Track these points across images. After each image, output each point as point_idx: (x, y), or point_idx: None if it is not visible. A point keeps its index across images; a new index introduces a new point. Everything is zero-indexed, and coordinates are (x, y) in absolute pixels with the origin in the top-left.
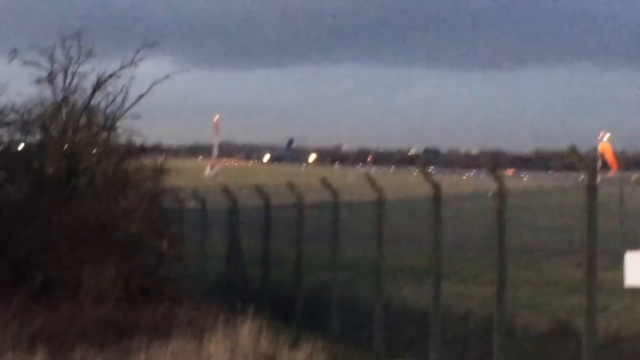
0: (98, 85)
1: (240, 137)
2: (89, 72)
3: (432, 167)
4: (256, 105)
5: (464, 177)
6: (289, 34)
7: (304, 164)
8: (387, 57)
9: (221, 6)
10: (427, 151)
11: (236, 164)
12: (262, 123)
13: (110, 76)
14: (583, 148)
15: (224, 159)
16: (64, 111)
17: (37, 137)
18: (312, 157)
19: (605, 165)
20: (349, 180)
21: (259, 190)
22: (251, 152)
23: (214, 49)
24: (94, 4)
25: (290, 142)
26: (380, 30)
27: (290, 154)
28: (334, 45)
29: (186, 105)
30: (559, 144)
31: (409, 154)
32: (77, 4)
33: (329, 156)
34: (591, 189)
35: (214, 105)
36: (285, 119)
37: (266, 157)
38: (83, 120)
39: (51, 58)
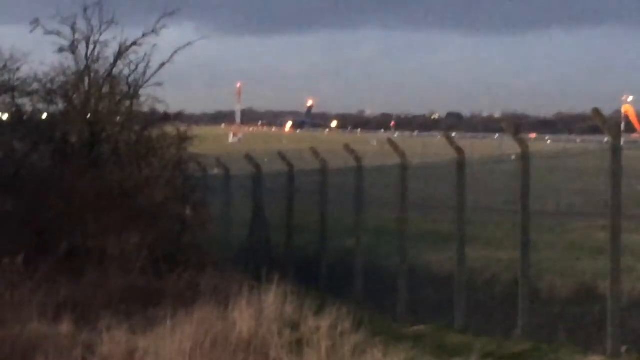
0: (120, 53)
1: (263, 104)
2: (111, 40)
3: (454, 132)
4: (278, 71)
5: (487, 141)
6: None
7: (326, 130)
8: (410, 20)
9: None
10: (450, 115)
11: (259, 130)
12: (284, 89)
13: (132, 44)
14: (606, 111)
15: (247, 126)
16: (87, 80)
17: (60, 106)
18: (334, 123)
19: (630, 127)
20: (373, 145)
21: (282, 157)
22: (274, 119)
23: (234, 16)
24: None
25: (310, 108)
26: None
27: (310, 120)
28: (355, 9)
29: (208, 72)
30: (582, 107)
31: (432, 118)
32: None
33: (351, 122)
34: (615, 150)
35: (236, 72)
36: (307, 85)
37: (288, 124)
38: (106, 89)
39: (73, 27)
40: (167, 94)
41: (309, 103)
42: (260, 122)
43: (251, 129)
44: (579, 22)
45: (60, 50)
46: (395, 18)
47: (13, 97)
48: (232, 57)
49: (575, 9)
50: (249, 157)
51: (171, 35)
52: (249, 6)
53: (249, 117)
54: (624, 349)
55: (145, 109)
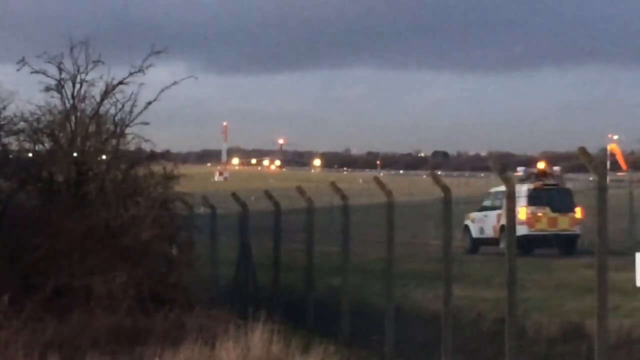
0: (107, 92)
1: (249, 143)
2: (98, 79)
3: (440, 171)
4: (265, 110)
5: (474, 179)
6: (300, 40)
7: (312, 169)
8: (397, 60)
9: (233, 13)
10: (436, 154)
11: (245, 168)
12: (270, 128)
13: (119, 83)
14: (592, 149)
15: (233, 164)
16: (73, 119)
17: (46, 145)
18: (317, 161)
19: (615, 166)
20: (359, 184)
21: (268, 195)
22: (259, 157)
23: (226, 56)
24: (106, 12)
25: (281, 146)
26: (392, 35)
27: (296, 159)
28: (344, 50)
29: (196, 111)
30: (568, 145)
31: (419, 156)
32: (87, 13)
33: (337, 160)
34: (601, 189)
35: (223, 110)
36: (293, 123)
37: (275, 162)
38: (92, 128)
39: (60, 66)
40: (153, 133)
41: (281, 141)
42: (246, 160)
43: (237, 167)
44: (567, 61)
45: (47, 89)
46: (383, 58)
47: None
48: (221, 96)
49: (563, 48)
50: (235, 196)
51: (162, 74)
52: (241, 46)
53: (236, 155)
54: None
55: (132, 147)
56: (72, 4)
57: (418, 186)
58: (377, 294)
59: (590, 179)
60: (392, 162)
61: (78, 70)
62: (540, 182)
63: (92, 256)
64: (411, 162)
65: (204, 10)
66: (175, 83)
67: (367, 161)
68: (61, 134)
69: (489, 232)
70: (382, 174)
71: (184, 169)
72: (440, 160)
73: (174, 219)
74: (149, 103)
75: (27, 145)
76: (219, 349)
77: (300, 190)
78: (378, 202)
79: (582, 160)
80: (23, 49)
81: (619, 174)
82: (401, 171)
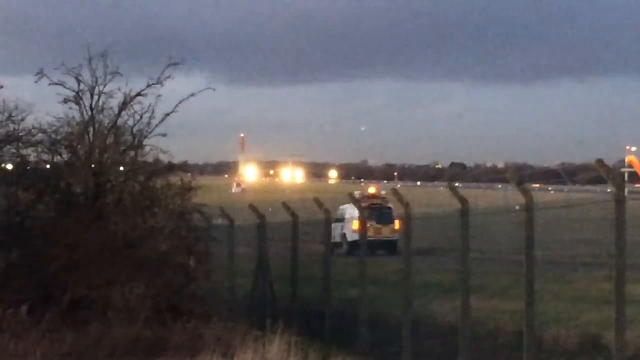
0: (124, 104)
1: (266, 155)
2: (116, 91)
3: (457, 183)
4: (282, 122)
5: (491, 191)
6: (319, 51)
7: (329, 181)
8: (415, 72)
9: (253, 25)
10: (453, 165)
11: (262, 180)
12: (288, 140)
13: (137, 95)
14: (610, 161)
15: (250, 176)
16: (91, 130)
17: (64, 156)
18: (333, 173)
19: (633, 177)
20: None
21: (286, 207)
22: (276, 169)
23: (244, 67)
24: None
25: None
26: (410, 46)
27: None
28: (363, 61)
29: (214, 122)
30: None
31: (436, 167)
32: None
33: (354, 172)
34: (619, 201)
35: (240, 122)
36: (311, 135)
37: (290, 173)
38: (110, 139)
39: (78, 78)
40: (171, 144)
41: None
42: (264, 172)
43: (254, 179)
44: (586, 72)
45: (65, 100)
46: (401, 70)
47: (18, 148)
48: (239, 107)
49: (583, 59)
50: (252, 207)
51: (182, 86)
52: (259, 58)
53: (254, 166)
54: None
55: (150, 159)
56: (91, 15)
57: (435, 198)
58: (395, 305)
59: (608, 190)
60: (409, 173)
61: (96, 82)
62: (370, 202)
63: (110, 267)
64: (428, 174)
65: (224, 22)
66: (192, 95)
67: (385, 173)
68: (79, 146)
69: (337, 238)
70: (399, 186)
71: (201, 181)
72: (457, 172)
73: (191, 231)
74: (167, 115)
75: (45, 156)
76: None
77: (317, 202)
78: (396, 213)
79: (599, 172)
80: (41, 61)
81: (637, 185)
82: (418, 183)
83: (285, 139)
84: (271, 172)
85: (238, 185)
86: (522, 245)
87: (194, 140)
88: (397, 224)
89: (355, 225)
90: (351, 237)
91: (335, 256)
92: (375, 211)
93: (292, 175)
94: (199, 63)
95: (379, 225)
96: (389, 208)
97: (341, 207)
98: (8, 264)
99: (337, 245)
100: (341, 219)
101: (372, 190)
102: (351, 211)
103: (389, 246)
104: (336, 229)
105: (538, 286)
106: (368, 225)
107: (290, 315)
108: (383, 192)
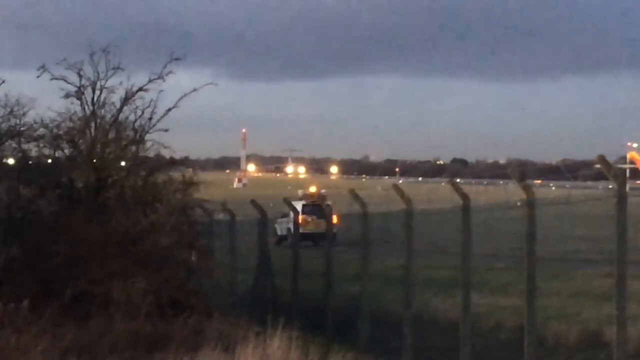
0: (126, 99)
1: (267, 150)
2: (118, 86)
3: (459, 179)
4: (284, 117)
5: (492, 187)
6: (322, 47)
7: (331, 176)
8: (418, 68)
9: (257, 21)
10: (455, 161)
11: (264, 175)
12: (290, 135)
13: (139, 90)
14: (611, 157)
15: (251, 171)
16: (93, 125)
17: (66, 151)
18: (334, 168)
19: (635, 174)
20: (378, 191)
21: (288, 202)
22: (277, 164)
23: (247, 63)
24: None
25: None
26: (413, 43)
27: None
28: (366, 57)
29: (216, 118)
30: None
31: (437, 163)
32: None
33: (355, 167)
34: (621, 197)
35: (242, 117)
36: (313, 130)
37: (298, 169)
38: (112, 134)
39: (80, 73)
40: (173, 139)
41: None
42: (265, 167)
43: (256, 174)
44: (589, 69)
45: (67, 95)
46: (404, 66)
47: (19, 142)
48: (241, 102)
49: (586, 56)
50: (254, 203)
51: (185, 81)
52: (262, 54)
53: (255, 161)
54: None
55: (151, 154)
56: (93, 10)
57: (437, 193)
58: (396, 301)
59: (610, 186)
60: (410, 169)
61: (98, 77)
62: (311, 200)
63: (111, 262)
64: (430, 170)
65: (228, 18)
66: (194, 90)
67: (386, 168)
68: (81, 141)
69: (284, 232)
70: (400, 182)
71: (202, 176)
72: (459, 168)
73: (193, 226)
74: (169, 110)
75: (46, 151)
76: (238, 355)
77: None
78: (397, 209)
79: (601, 168)
80: (43, 56)
81: (639, 182)
82: (420, 178)
83: (287, 134)
84: (272, 167)
85: (240, 180)
86: (523, 242)
87: (196, 136)
88: (335, 219)
89: (301, 219)
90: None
91: (282, 248)
92: (315, 207)
93: (294, 171)
94: (202, 58)
95: (320, 220)
96: (328, 205)
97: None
98: (10, 259)
99: (284, 238)
100: (287, 215)
101: (312, 189)
102: (297, 206)
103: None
104: (282, 223)
105: (539, 283)
106: (310, 220)
107: (292, 311)
108: (323, 191)
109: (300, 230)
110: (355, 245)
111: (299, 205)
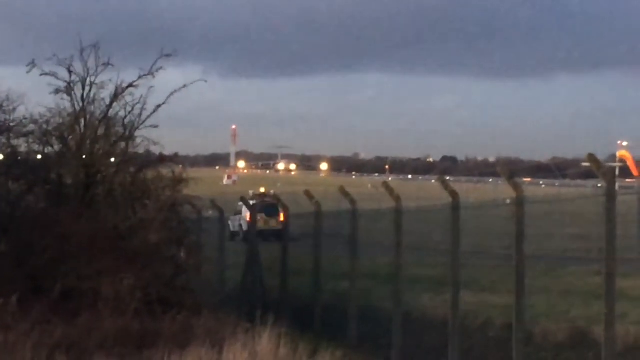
0: (116, 95)
1: (257, 146)
2: (107, 82)
3: (449, 176)
4: (274, 114)
5: (482, 185)
6: (311, 44)
7: (321, 173)
8: (409, 65)
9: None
10: (444, 159)
11: (254, 172)
12: (279, 132)
13: (129, 86)
14: (601, 155)
15: (240, 168)
16: (82, 122)
17: (55, 147)
18: (324, 165)
19: (624, 172)
20: (368, 188)
21: (277, 199)
22: (267, 161)
23: (237, 60)
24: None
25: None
26: (403, 40)
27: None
28: (355, 54)
29: (206, 114)
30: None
31: (427, 161)
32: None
33: (345, 164)
34: (610, 196)
35: (232, 114)
36: (302, 127)
37: (290, 166)
38: (101, 131)
39: (69, 69)
40: (163, 136)
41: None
42: (255, 164)
43: (245, 170)
44: (579, 67)
45: (57, 91)
46: (394, 63)
47: (8, 138)
48: (231, 99)
49: (577, 55)
50: (243, 200)
51: (176, 78)
52: (254, 51)
53: (244, 158)
54: None
55: (141, 150)
56: (84, 6)
57: (426, 191)
58: (385, 299)
59: (599, 185)
60: (400, 166)
61: (88, 73)
62: (260, 199)
63: (100, 259)
64: (420, 167)
65: (220, 15)
66: (184, 86)
67: (376, 166)
68: (70, 137)
69: (236, 228)
70: (390, 179)
71: (192, 172)
72: (448, 166)
73: (182, 222)
74: (159, 106)
75: (36, 147)
76: (227, 352)
77: (308, 194)
78: (387, 206)
79: (591, 167)
80: (33, 51)
81: (628, 180)
82: (409, 176)
83: (277, 131)
84: (260, 164)
85: (229, 177)
86: (512, 240)
87: (186, 132)
88: (281, 216)
89: (249, 217)
90: (246, 227)
91: (235, 242)
92: (264, 206)
93: (284, 168)
94: (193, 56)
95: (268, 218)
96: (275, 204)
97: (239, 203)
98: None
99: (236, 234)
100: (239, 212)
101: (262, 190)
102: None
103: (277, 234)
104: (235, 220)
105: (528, 281)
106: (259, 217)
107: (281, 308)
108: (272, 192)
109: (248, 228)
110: (303, 240)
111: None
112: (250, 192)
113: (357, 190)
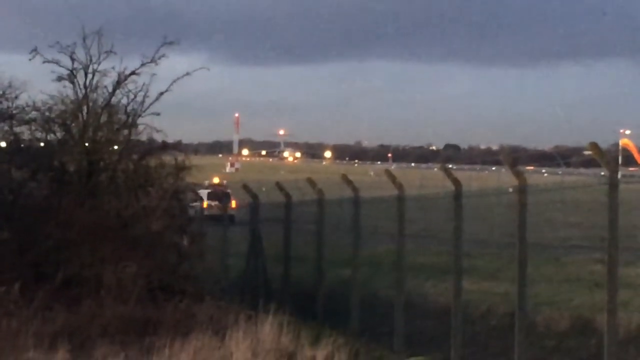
0: (119, 82)
1: (260, 134)
2: (110, 69)
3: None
4: (277, 102)
5: (485, 173)
6: (316, 32)
7: (324, 161)
8: (413, 53)
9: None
10: (447, 147)
11: (257, 160)
12: (282, 120)
13: (131, 74)
14: (604, 144)
15: (244, 155)
16: (85, 109)
17: (58, 134)
18: (327, 153)
19: (627, 160)
20: (371, 176)
21: (280, 187)
22: (270, 149)
23: (241, 47)
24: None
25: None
26: (408, 28)
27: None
28: (360, 42)
29: (208, 102)
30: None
31: (430, 149)
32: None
33: (348, 153)
34: (613, 184)
35: (235, 102)
36: (306, 115)
37: (295, 154)
38: (104, 118)
39: (72, 56)
40: (165, 123)
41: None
42: (258, 152)
43: (248, 158)
44: (583, 56)
45: (59, 78)
46: (399, 51)
47: (11, 125)
48: (234, 87)
49: (580, 43)
50: (246, 187)
51: (181, 66)
52: (256, 38)
53: (247, 146)
54: None
55: (144, 138)
56: None
57: (429, 179)
58: (387, 287)
59: (602, 174)
60: (403, 154)
61: (90, 60)
62: (215, 188)
63: (103, 246)
64: (422, 155)
65: (224, 2)
66: (187, 74)
67: (379, 154)
68: (73, 124)
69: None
70: (393, 167)
71: (195, 160)
72: (451, 154)
73: (185, 210)
74: (161, 93)
75: (39, 134)
76: (229, 339)
77: (311, 182)
78: (389, 194)
79: (593, 155)
80: (36, 39)
81: (631, 169)
82: (412, 164)
83: (281, 119)
84: (263, 152)
85: (232, 164)
86: (515, 228)
87: (189, 120)
88: (233, 203)
89: (205, 204)
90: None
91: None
92: (218, 194)
93: (287, 155)
94: (197, 43)
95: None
96: (228, 192)
97: (199, 191)
98: (0, 242)
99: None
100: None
101: (216, 180)
102: (203, 194)
103: (228, 219)
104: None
105: (530, 269)
106: (213, 204)
107: (283, 296)
108: (225, 182)
109: (205, 213)
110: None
111: (204, 193)
112: (206, 182)
113: (359, 178)
